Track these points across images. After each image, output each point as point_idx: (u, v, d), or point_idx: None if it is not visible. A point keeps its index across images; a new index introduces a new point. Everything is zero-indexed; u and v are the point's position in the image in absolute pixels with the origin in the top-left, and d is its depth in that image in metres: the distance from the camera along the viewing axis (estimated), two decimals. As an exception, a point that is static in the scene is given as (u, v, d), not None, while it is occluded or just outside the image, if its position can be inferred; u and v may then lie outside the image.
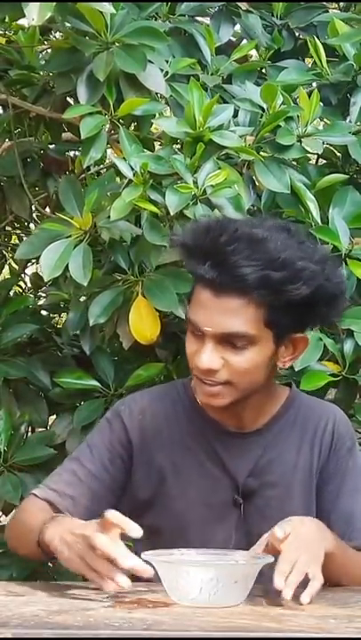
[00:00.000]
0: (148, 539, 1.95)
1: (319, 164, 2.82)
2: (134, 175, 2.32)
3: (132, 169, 2.34)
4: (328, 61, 2.70)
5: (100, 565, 1.72)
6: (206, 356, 1.91)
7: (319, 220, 2.48)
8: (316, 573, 1.75)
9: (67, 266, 2.40)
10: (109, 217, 2.34)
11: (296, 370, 2.46)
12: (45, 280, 2.45)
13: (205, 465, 2.03)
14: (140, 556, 1.74)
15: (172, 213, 2.30)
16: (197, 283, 1.94)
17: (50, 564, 2.87)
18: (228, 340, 1.91)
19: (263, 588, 1.78)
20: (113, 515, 1.74)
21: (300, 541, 1.78)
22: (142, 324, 2.45)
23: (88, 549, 1.74)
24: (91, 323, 2.50)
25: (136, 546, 2.03)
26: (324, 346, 2.50)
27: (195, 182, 2.33)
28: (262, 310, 1.89)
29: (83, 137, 2.40)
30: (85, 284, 2.41)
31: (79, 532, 1.77)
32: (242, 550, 1.86)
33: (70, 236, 2.45)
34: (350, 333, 2.53)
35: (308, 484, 2.06)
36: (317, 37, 2.71)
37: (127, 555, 1.71)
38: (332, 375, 2.52)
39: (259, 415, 2.05)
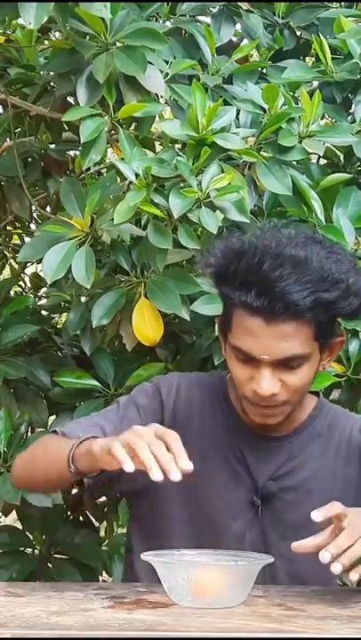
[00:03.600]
0: (159, 523, 1.96)
1: (320, 163, 2.81)
2: (137, 178, 2.32)
3: (134, 172, 2.33)
4: (331, 59, 2.69)
5: (160, 452, 1.71)
6: (267, 383, 1.90)
7: (323, 220, 2.48)
8: None
9: (69, 267, 2.40)
10: (112, 220, 2.34)
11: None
12: (49, 282, 2.45)
13: (229, 461, 2.04)
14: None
15: (175, 217, 2.30)
16: (239, 309, 1.90)
17: (50, 564, 2.88)
18: (285, 363, 1.90)
19: (263, 588, 1.78)
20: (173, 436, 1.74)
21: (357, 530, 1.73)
22: (145, 326, 2.45)
23: (138, 439, 1.72)
24: (94, 324, 2.49)
25: (144, 529, 2.03)
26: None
27: (199, 186, 2.32)
28: (313, 328, 1.89)
29: (82, 140, 2.40)
30: (88, 287, 2.41)
31: (127, 430, 1.76)
32: (249, 551, 1.87)
33: (72, 238, 2.45)
34: (355, 334, 2.52)
35: (330, 491, 2.02)
36: (319, 36, 2.70)
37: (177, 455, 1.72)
38: (337, 376, 2.51)
39: (289, 423, 2.05)
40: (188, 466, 1.72)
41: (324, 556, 1.66)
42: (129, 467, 1.71)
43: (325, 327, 1.91)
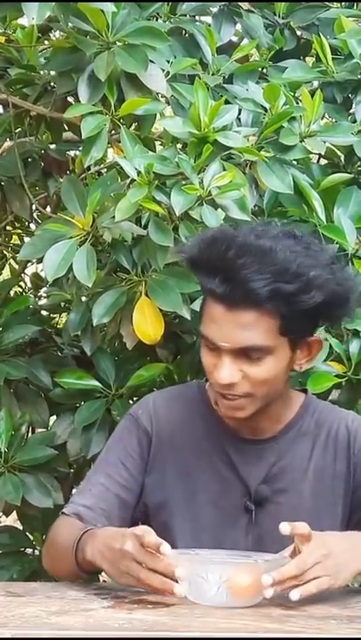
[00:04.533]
0: (164, 539, 1.96)
1: (321, 163, 2.81)
2: (138, 175, 2.32)
3: (136, 169, 2.33)
4: (332, 59, 2.69)
5: (153, 581, 1.70)
6: (225, 372, 1.90)
7: (324, 220, 2.48)
8: (323, 583, 1.72)
9: (70, 266, 2.40)
10: (113, 217, 2.34)
11: (302, 371, 2.44)
12: (49, 281, 2.45)
13: (218, 469, 2.03)
14: None
15: (177, 214, 2.30)
16: (208, 297, 1.92)
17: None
18: (245, 353, 1.90)
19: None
20: (148, 535, 1.72)
21: (322, 555, 1.73)
22: (146, 324, 2.44)
23: (134, 565, 1.72)
24: (94, 323, 2.49)
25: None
26: (330, 346, 2.49)
27: (200, 183, 2.32)
28: (276, 320, 1.88)
29: (84, 137, 2.40)
30: (90, 285, 2.40)
31: (118, 548, 1.75)
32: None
33: (73, 237, 2.45)
34: (356, 334, 2.52)
35: (320, 488, 2.04)
36: (320, 36, 2.70)
37: (172, 564, 1.70)
38: (338, 376, 2.51)
39: (275, 423, 2.05)
40: (180, 592, 1.70)
41: (265, 580, 1.67)
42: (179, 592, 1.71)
43: (293, 322, 1.89)
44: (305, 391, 2.14)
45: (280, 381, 1.97)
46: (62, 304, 2.95)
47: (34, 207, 3.17)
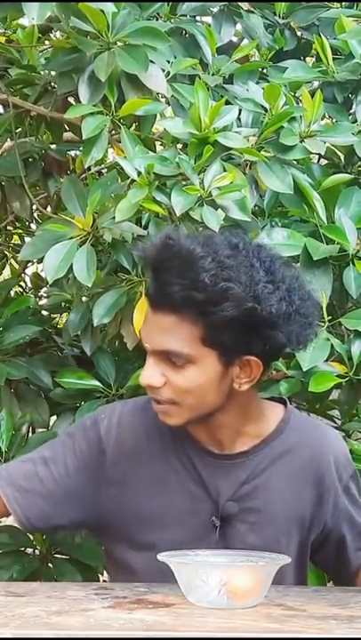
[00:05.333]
0: (125, 552, 1.95)
1: (321, 164, 2.81)
2: (139, 176, 2.32)
3: (137, 169, 2.33)
4: (332, 59, 2.69)
5: None
6: (146, 372, 1.89)
7: (325, 220, 2.48)
8: None
9: (70, 267, 2.40)
10: (113, 218, 2.34)
11: (304, 370, 2.44)
12: (50, 282, 2.45)
13: (186, 484, 1.98)
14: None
15: (177, 214, 2.30)
16: None
17: (50, 564, 2.88)
18: (168, 358, 1.88)
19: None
20: None
21: None
22: (146, 325, 2.44)
23: None
24: (95, 323, 2.49)
25: (112, 558, 2.03)
26: (331, 346, 2.48)
27: (201, 184, 2.32)
28: (198, 329, 1.85)
29: (84, 137, 2.40)
30: (90, 285, 2.41)
31: None
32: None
33: (73, 237, 2.45)
34: (358, 334, 2.52)
35: (295, 513, 2.00)
36: (320, 36, 2.70)
37: None
38: (339, 376, 2.51)
39: (240, 436, 1.99)
40: None
41: None
42: None
43: (215, 334, 1.85)
44: (284, 402, 2.07)
45: (210, 394, 1.90)
46: (62, 304, 2.95)
47: (34, 207, 3.18)
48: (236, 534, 1.97)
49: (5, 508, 2.02)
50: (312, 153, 2.59)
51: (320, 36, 2.68)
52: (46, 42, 3.04)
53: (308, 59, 3.01)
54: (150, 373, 1.89)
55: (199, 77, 2.55)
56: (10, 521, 3.28)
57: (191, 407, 1.91)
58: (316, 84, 2.77)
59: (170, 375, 1.88)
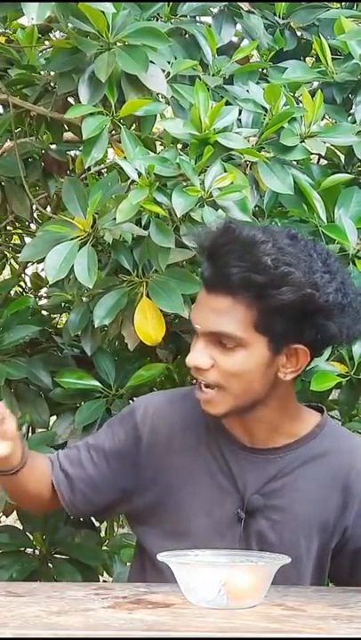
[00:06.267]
0: (150, 539, 1.96)
1: (321, 164, 2.81)
2: (139, 177, 2.32)
3: (137, 170, 2.33)
4: (332, 60, 2.69)
5: None
6: (194, 354, 1.93)
7: (325, 220, 2.48)
8: None
9: (71, 267, 2.40)
10: (114, 219, 2.34)
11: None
12: (50, 282, 2.45)
13: (215, 476, 2.02)
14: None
15: (178, 215, 2.30)
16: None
17: (50, 564, 2.88)
18: (218, 340, 1.91)
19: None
20: None
21: None
22: (147, 325, 2.44)
23: None
24: (96, 324, 2.49)
25: (142, 548, 2.04)
26: (333, 346, 2.48)
27: (201, 185, 2.32)
28: (253, 313, 1.89)
29: (84, 137, 2.40)
30: (91, 286, 2.41)
31: None
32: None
33: (74, 238, 2.45)
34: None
35: (318, 518, 2.02)
36: (320, 36, 2.70)
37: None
38: (340, 376, 2.51)
39: (274, 434, 2.02)
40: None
41: None
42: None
43: (268, 319, 1.89)
44: (321, 410, 2.11)
45: (256, 381, 1.94)
46: (63, 304, 2.95)
47: (34, 207, 3.17)
48: (257, 530, 2.00)
49: (56, 494, 2.10)
50: (312, 153, 2.59)
51: (320, 36, 2.68)
52: (46, 42, 3.04)
53: (308, 59, 3.00)
54: (198, 355, 1.92)
55: (199, 78, 2.55)
56: (10, 521, 3.29)
57: (236, 394, 1.94)
58: (316, 84, 2.77)
59: (218, 358, 1.92)
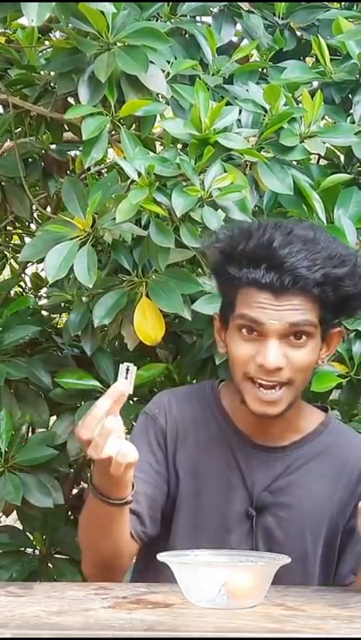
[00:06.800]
0: (163, 535, 1.96)
1: (320, 164, 2.81)
2: (139, 177, 2.32)
3: (137, 170, 2.34)
4: (331, 60, 2.70)
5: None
6: (274, 355, 1.91)
7: (325, 220, 2.48)
8: None
9: (71, 267, 2.40)
10: (114, 219, 2.34)
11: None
12: (50, 282, 2.45)
13: (224, 472, 2.02)
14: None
15: (178, 215, 2.30)
16: (245, 287, 1.93)
17: (50, 564, 2.88)
18: (292, 334, 1.91)
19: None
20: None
21: None
22: (147, 325, 2.45)
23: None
24: (95, 324, 2.49)
25: (149, 545, 2.03)
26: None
27: (201, 185, 2.32)
28: (318, 306, 1.92)
29: (84, 138, 2.40)
30: (91, 286, 2.41)
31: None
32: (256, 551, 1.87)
33: (74, 238, 2.45)
34: (358, 334, 2.52)
35: (325, 514, 2.03)
36: (319, 37, 2.70)
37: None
38: (340, 376, 2.51)
39: (286, 431, 2.04)
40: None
41: None
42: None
43: (328, 311, 1.93)
44: (325, 409, 2.13)
45: (311, 372, 2.00)
46: (63, 304, 2.95)
47: (34, 207, 3.17)
48: (264, 527, 2.01)
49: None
50: (312, 153, 2.59)
51: (318, 36, 2.68)
52: (46, 42, 3.04)
53: (308, 59, 3.00)
54: (277, 354, 1.91)
55: (199, 78, 2.55)
56: (10, 521, 3.29)
57: (299, 388, 1.97)
58: (315, 84, 2.77)
59: (290, 354, 1.93)
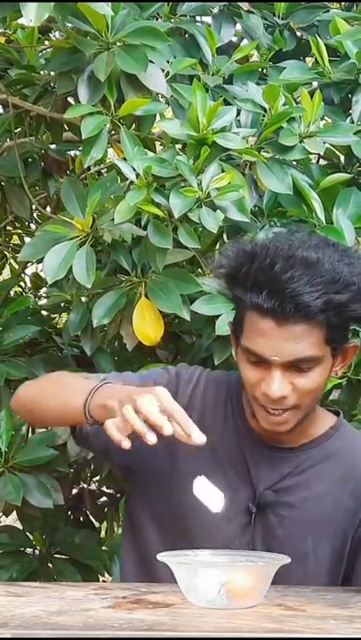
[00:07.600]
0: (150, 511, 1.95)
1: (320, 164, 2.81)
2: (137, 177, 2.32)
3: (135, 171, 2.34)
4: (330, 60, 2.70)
5: (137, 423, 1.75)
6: (277, 385, 1.88)
7: (324, 220, 2.48)
8: None
9: (70, 267, 2.40)
10: (113, 219, 2.34)
11: (337, 377, 2.44)
12: (49, 282, 2.45)
13: (232, 464, 2.01)
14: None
15: (176, 216, 2.30)
16: (250, 311, 1.89)
17: (50, 564, 2.88)
18: (295, 365, 1.88)
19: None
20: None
21: None
22: (146, 326, 2.45)
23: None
24: (94, 324, 2.49)
25: (143, 532, 2.02)
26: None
27: (199, 185, 2.32)
28: (324, 330, 1.88)
29: (84, 137, 2.40)
30: (89, 286, 2.41)
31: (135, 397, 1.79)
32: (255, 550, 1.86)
33: (73, 238, 2.45)
34: (356, 333, 2.52)
35: (328, 518, 2.01)
36: (319, 37, 2.70)
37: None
38: (339, 376, 2.51)
39: (297, 434, 2.02)
40: (201, 439, 1.78)
41: None
42: (126, 445, 1.77)
43: (337, 331, 1.90)
44: (337, 413, 2.11)
45: (322, 390, 1.96)
46: (62, 304, 2.95)
47: (34, 207, 3.18)
48: (265, 525, 2.00)
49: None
50: (311, 153, 2.59)
51: (317, 36, 2.68)
52: (46, 42, 3.05)
53: (308, 59, 3.01)
54: (280, 386, 1.89)
55: (199, 77, 2.55)
56: (10, 521, 3.29)
57: (307, 407, 1.94)
58: (315, 84, 2.77)
59: (296, 381, 1.90)
